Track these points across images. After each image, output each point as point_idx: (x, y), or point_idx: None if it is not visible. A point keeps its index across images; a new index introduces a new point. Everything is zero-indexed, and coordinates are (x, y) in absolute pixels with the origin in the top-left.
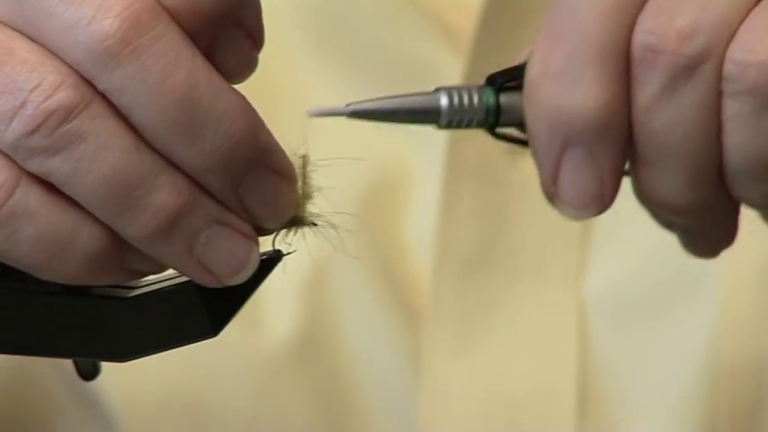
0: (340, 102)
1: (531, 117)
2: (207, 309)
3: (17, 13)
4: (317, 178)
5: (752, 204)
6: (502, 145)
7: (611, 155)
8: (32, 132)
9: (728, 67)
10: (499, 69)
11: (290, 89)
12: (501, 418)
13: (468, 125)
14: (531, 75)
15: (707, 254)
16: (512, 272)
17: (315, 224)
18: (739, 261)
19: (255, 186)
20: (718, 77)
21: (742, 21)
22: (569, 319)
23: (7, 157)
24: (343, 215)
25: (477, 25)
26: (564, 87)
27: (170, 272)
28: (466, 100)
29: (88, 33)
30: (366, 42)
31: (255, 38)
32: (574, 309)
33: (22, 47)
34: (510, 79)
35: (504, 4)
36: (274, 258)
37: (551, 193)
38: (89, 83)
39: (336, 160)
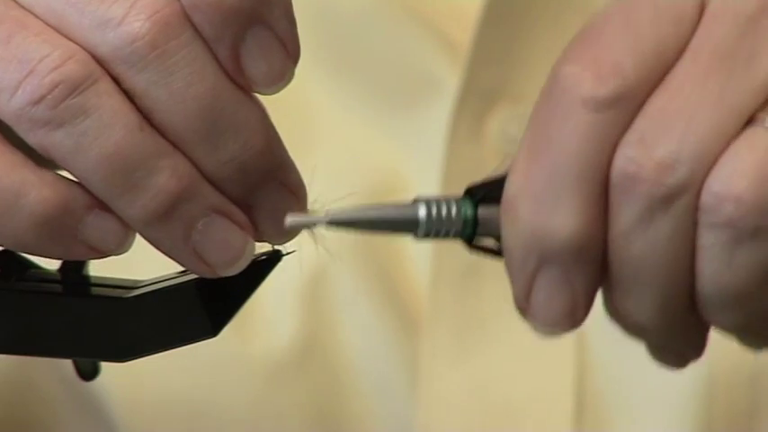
0: (320, 209)
1: (507, 234)
2: (207, 309)
3: (44, 3)
4: (316, 187)
5: (723, 329)
6: (499, 153)
7: (585, 276)
8: (37, 102)
9: (705, 198)
10: (478, 182)
11: (290, 99)
12: (498, 426)
13: (446, 236)
14: (509, 192)
15: (673, 365)
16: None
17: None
18: None
19: (266, 200)
20: (695, 207)
21: (722, 151)
22: None
23: None
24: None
25: (475, 37)
26: (542, 208)
27: (170, 272)
28: (444, 211)
29: (118, 33)
30: (365, 53)
31: (287, 43)
32: None
33: (35, 23)
34: (489, 192)
35: (502, 16)
36: (273, 258)
37: (523, 308)
38: (97, 61)
39: (334, 169)
